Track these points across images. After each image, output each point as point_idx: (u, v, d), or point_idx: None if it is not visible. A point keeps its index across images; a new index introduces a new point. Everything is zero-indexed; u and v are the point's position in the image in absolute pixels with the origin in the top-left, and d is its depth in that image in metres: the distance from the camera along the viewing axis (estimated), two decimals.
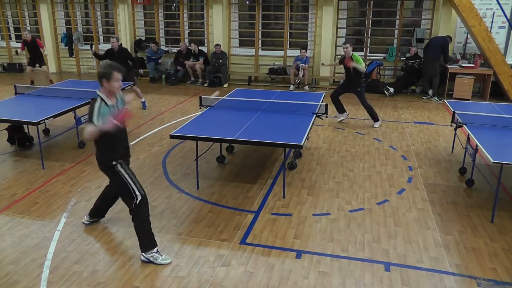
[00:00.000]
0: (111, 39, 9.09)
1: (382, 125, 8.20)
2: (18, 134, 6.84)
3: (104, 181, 5.66)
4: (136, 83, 9.15)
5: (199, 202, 5.11)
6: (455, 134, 6.63)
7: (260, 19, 12.23)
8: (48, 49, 13.70)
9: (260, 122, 5.76)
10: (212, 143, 5.98)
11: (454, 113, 5.93)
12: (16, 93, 7.40)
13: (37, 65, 11.50)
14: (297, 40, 12.34)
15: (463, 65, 10.54)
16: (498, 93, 10.36)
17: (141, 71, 12.12)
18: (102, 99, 3.73)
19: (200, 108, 6.47)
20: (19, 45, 14.02)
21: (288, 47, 12.20)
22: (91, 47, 11.21)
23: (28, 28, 12.98)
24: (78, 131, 6.91)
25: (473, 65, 10.52)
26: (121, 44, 9.61)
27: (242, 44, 12.73)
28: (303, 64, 11.25)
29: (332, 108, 7.97)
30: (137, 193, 3.84)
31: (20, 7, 13.93)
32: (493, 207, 4.70)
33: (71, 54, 13.61)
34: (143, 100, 9.33)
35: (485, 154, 4.62)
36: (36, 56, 11.43)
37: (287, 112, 6.14)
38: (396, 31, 11.50)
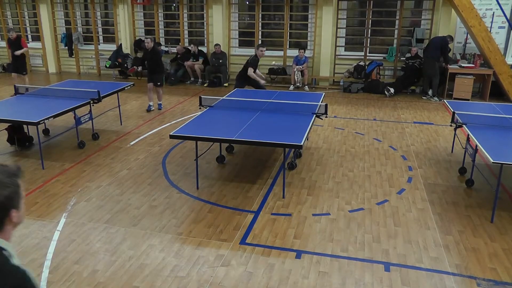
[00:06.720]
0: (145, 39, 8.81)
1: (382, 125, 8.20)
2: (18, 134, 6.84)
3: (104, 181, 5.67)
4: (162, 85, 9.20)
5: (199, 202, 5.11)
6: (454, 134, 6.63)
7: (260, 19, 12.23)
8: (48, 49, 13.72)
9: (260, 122, 5.76)
10: (212, 143, 5.98)
11: (453, 113, 5.92)
12: (16, 93, 7.40)
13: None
14: (297, 40, 12.34)
15: (463, 65, 10.54)
16: (498, 93, 10.36)
17: (139, 68, 11.93)
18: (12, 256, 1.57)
19: (200, 108, 6.46)
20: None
21: (288, 47, 12.20)
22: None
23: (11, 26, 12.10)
24: (78, 131, 6.91)
25: (473, 65, 10.51)
26: (154, 45, 9.03)
27: (242, 44, 12.73)
28: (299, 66, 11.26)
29: (331, 108, 7.97)
30: None
31: (20, 7, 13.91)
32: (493, 207, 4.70)
33: (71, 54, 13.61)
34: (150, 103, 9.30)
35: (484, 154, 4.62)
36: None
37: (287, 112, 6.14)
38: (396, 31, 11.50)
